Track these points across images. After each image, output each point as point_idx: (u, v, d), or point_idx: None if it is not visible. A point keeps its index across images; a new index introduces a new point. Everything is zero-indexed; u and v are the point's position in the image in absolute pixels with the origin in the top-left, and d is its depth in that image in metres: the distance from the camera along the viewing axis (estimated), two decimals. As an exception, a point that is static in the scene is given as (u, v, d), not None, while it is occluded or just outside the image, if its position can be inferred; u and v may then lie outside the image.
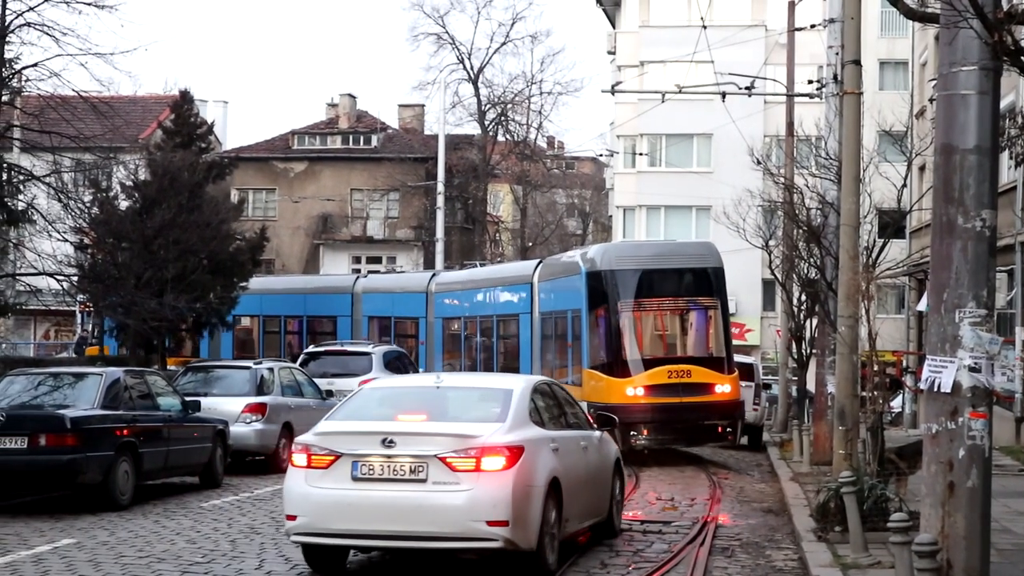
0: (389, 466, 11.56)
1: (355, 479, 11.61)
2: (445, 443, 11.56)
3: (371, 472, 11.58)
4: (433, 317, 37.45)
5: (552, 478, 12.19)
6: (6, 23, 24.57)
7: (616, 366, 25.22)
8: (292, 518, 11.86)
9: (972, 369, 9.75)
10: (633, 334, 25.64)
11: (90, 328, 43.02)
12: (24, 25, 24.76)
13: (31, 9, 24.83)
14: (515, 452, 11.64)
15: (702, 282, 26.33)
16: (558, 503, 12.35)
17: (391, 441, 11.57)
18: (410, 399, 13.16)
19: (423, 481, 11.46)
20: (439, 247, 51.96)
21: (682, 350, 26.22)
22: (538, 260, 33.80)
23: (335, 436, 11.90)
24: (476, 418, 12.28)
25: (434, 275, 39.86)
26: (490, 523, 11.36)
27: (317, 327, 40.84)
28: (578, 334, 26.85)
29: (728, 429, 25.51)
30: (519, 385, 13.12)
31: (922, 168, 30.81)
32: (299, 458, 11.92)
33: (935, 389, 9.89)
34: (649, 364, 25.14)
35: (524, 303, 31.71)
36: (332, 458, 11.69)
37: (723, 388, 25.41)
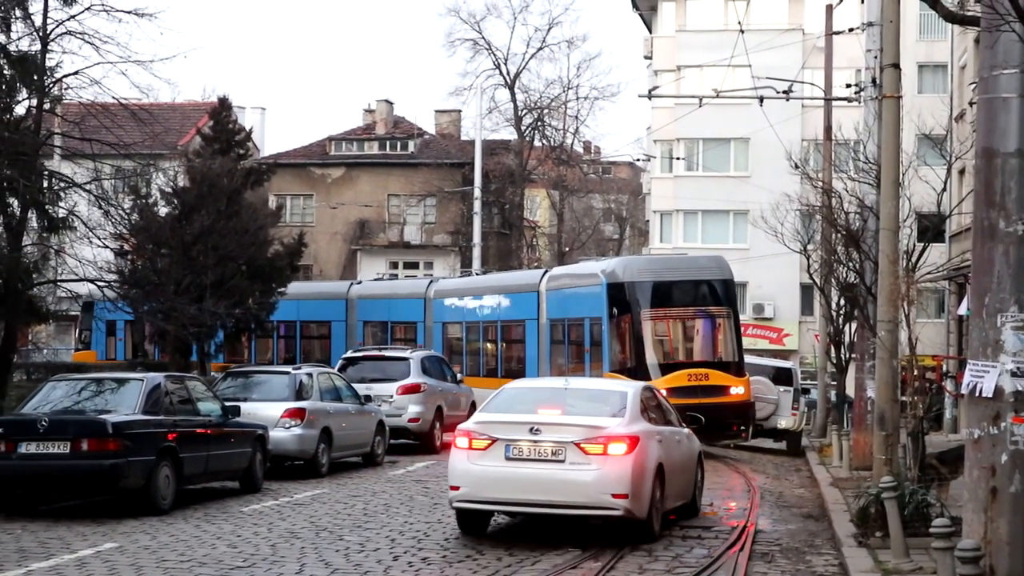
0: (535, 449, 14.31)
1: (507, 459, 14.35)
2: (579, 432, 14.32)
3: (520, 453, 14.34)
4: (432, 322, 38.60)
5: (658, 463, 14.96)
6: (47, 32, 24.75)
7: (639, 370, 26.57)
8: (455, 488, 14.64)
9: (1014, 374, 9.71)
10: (654, 340, 27.61)
11: (77, 333, 43.06)
12: (65, 34, 24.91)
13: (72, 18, 24.96)
14: (633, 440, 14.39)
15: (715, 293, 28.47)
16: (662, 483, 15.06)
17: (537, 429, 14.37)
18: (545, 397, 15.89)
19: (562, 461, 14.23)
20: (476, 252, 52.01)
21: (699, 355, 28.17)
22: (544, 270, 36.10)
23: (491, 424, 14.70)
24: (601, 413, 14.99)
25: (432, 281, 41.24)
26: (614, 496, 14.10)
27: (310, 332, 41.16)
28: (597, 340, 28.67)
29: (742, 427, 27.25)
30: (631, 389, 16.01)
31: (962, 172, 30.62)
32: (461, 441, 14.73)
33: (977, 394, 9.85)
34: (669, 368, 26.93)
35: (531, 309, 33.40)
36: (489, 442, 14.45)
37: (737, 390, 27.28)
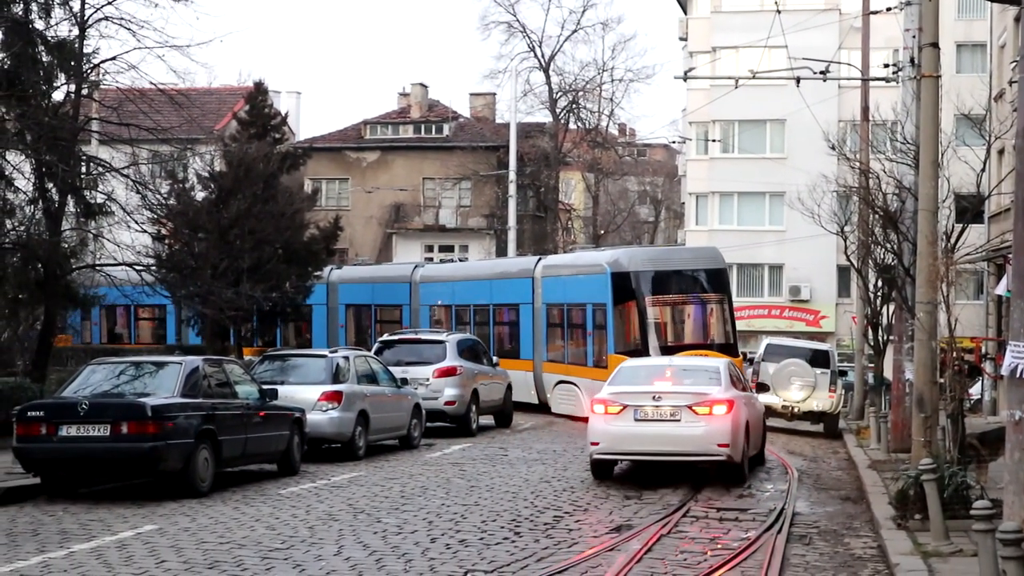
0: (657, 412, 18.40)
1: (636, 420, 18.44)
2: (690, 398, 18.43)
3: (645, 416, 18.42)
4: (418, 304, 39.90)
5: (746, 421, 19.14)
6: (85, 17, 24.88)
7: (644, 351, 28.57)
8: (595, 444, 18.68)
9: (1056, 355, 9.60)
10: (657, 324, 30.00)
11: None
12: (103, 19, 25.05)
13: (110, 3, 25.11)
14: (731, 403, 18.50)
15: (711, 281, 30.94)
16: (748, 436, 19.22)
17: (659, 397, 18.48)
18: (656, 372, 19.98)
19: (678, 421, 18.31)
20: (511, 235, 51.99)
21: (698, 337, 30.36)
22: (537, 257, 38.49)
23: (622, 394, 18.74)
24: (703, 383, 19.11)
25: (417, 266, 42.69)
26: (719, 445, 18.19)
27: (289, 315, 41.21)
28: (601, 324, 30.87)
29: None
30: (722, 363, 20.44)
31: (1001, 152, 30.38)
32: (599, 408, 18.79)
33: (1018, 375, 9.77)
34: (672, 350, 28.44)
35: (525, 294, 35.21)
36: (621, 407, 18.54)
37: None
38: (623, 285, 30.17)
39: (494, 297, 37.16)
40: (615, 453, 18.87)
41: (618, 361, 28.76)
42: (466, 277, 39.89)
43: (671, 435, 18.28)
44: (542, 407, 33.77)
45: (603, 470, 19.20)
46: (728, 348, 29.67)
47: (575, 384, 32.29)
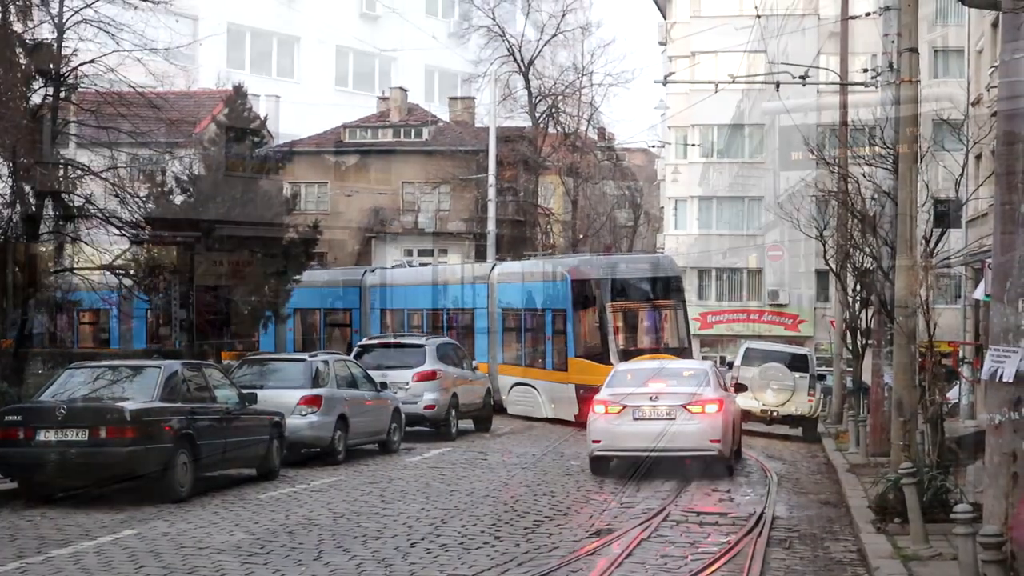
0: (654, 411, 19.85)
1: (634, 419, 19.80)
2: (684, 398, 19.90)
3: (643, 415, 19.83)
4: (369, 308, 40.66)
5: (733, 419, 20.90)
6: (64, 20, 24.78)
7: (604, 355, 29.88)
8: (597, 442, 20.03)
9: (1036, 359, 9.62)
10: (615, 329, 31.13)
11: None
12: (81, 22, 24.96)
13: (88, 6, 25.02)
14: (721, 402, 20.11)
15: (667, 287, 32.51)
16: (735, 432, 21.07)
17: (656, 397, 19.94)
18: (648, 375, 21.32)
19: (674, 419, 19.61)
20: (491, 239, 51.94)
21: (655, 342, 31.73)
22: (492, 263, 39.83)
23: (621, 395, 20.13)
24: (694, 384, 20.58)
25: (367, 270, 43.64)
26: (711, 441, 19.68)
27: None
28: (560, 329, 32.10)
29: None
30: (707, 366, 22.50)
31: (979, 157, 30.46)
32: (599, 408, 20.18)
33: (998, 379, 9.79)
34: (629, 354, 29.58)
35: (481, 299, 36.27)
36: (621, 407, 19.91)
37: None
38: (583, 291, 31.43)
39: (448, 302, 37.87)
40: (615, 450, 20.09)
41: (578, 364, 30.90)
42: (419, 282, 40.40)
43: (668, 432, 19.50)
44: (497, 408, 34.00)
45: (601, 466, 20.42)
46: (683, 352, 30.83)
47: (533, 387, 33.04)
